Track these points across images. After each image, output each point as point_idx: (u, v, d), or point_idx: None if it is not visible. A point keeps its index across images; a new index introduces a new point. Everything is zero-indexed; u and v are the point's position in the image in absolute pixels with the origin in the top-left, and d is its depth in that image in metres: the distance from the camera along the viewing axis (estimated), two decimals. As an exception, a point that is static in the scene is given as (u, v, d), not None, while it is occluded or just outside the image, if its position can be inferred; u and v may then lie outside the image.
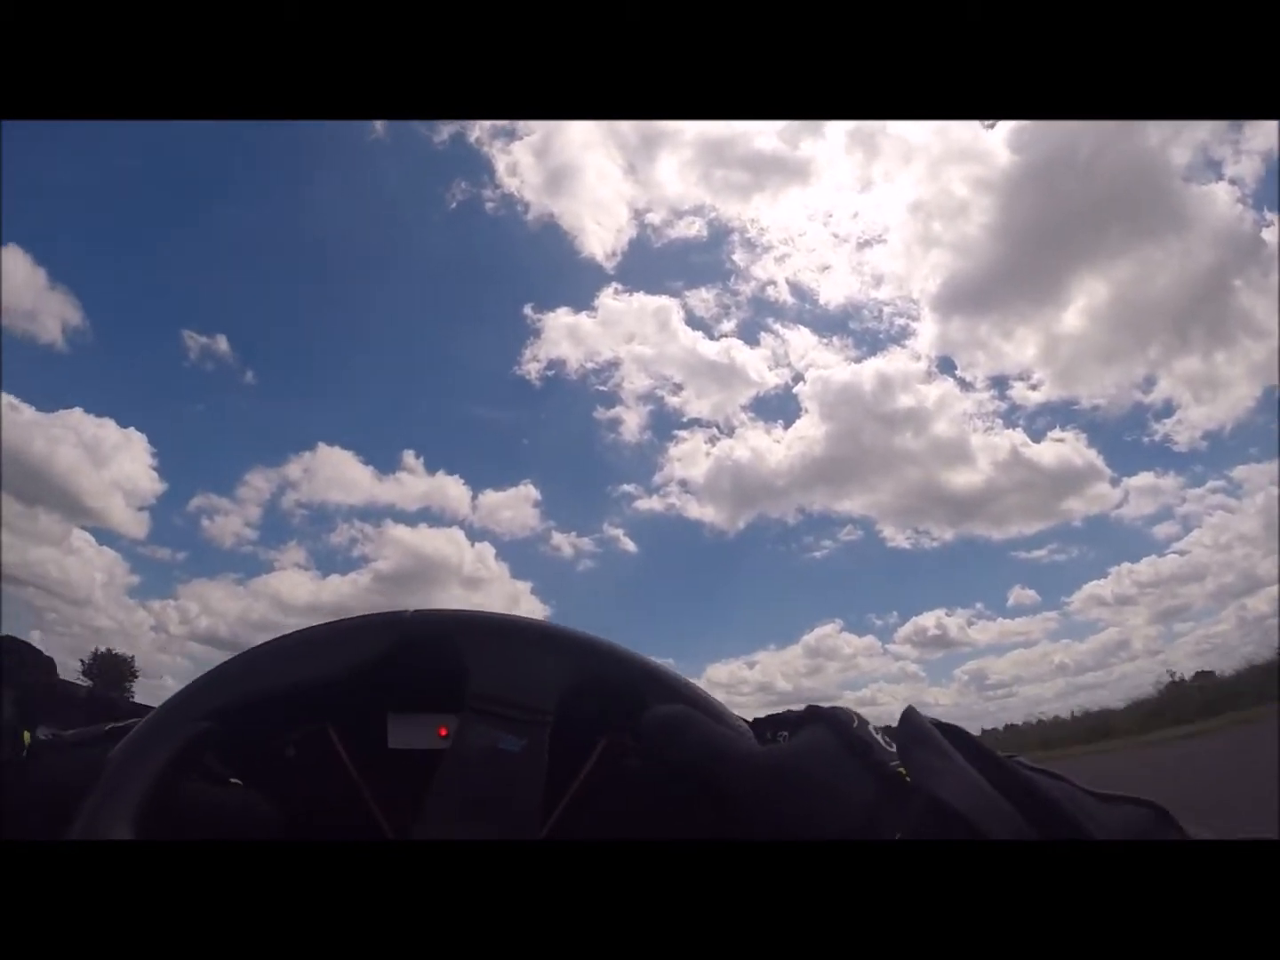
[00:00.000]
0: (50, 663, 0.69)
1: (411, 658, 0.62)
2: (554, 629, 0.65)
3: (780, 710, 0.65)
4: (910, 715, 0.54)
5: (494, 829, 0.54)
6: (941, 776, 0.48)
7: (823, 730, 0.55)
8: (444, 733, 0.64)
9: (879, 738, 0.54)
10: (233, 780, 0.68)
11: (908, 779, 0.50)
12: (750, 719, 0.66)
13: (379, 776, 0.65)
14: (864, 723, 0.55)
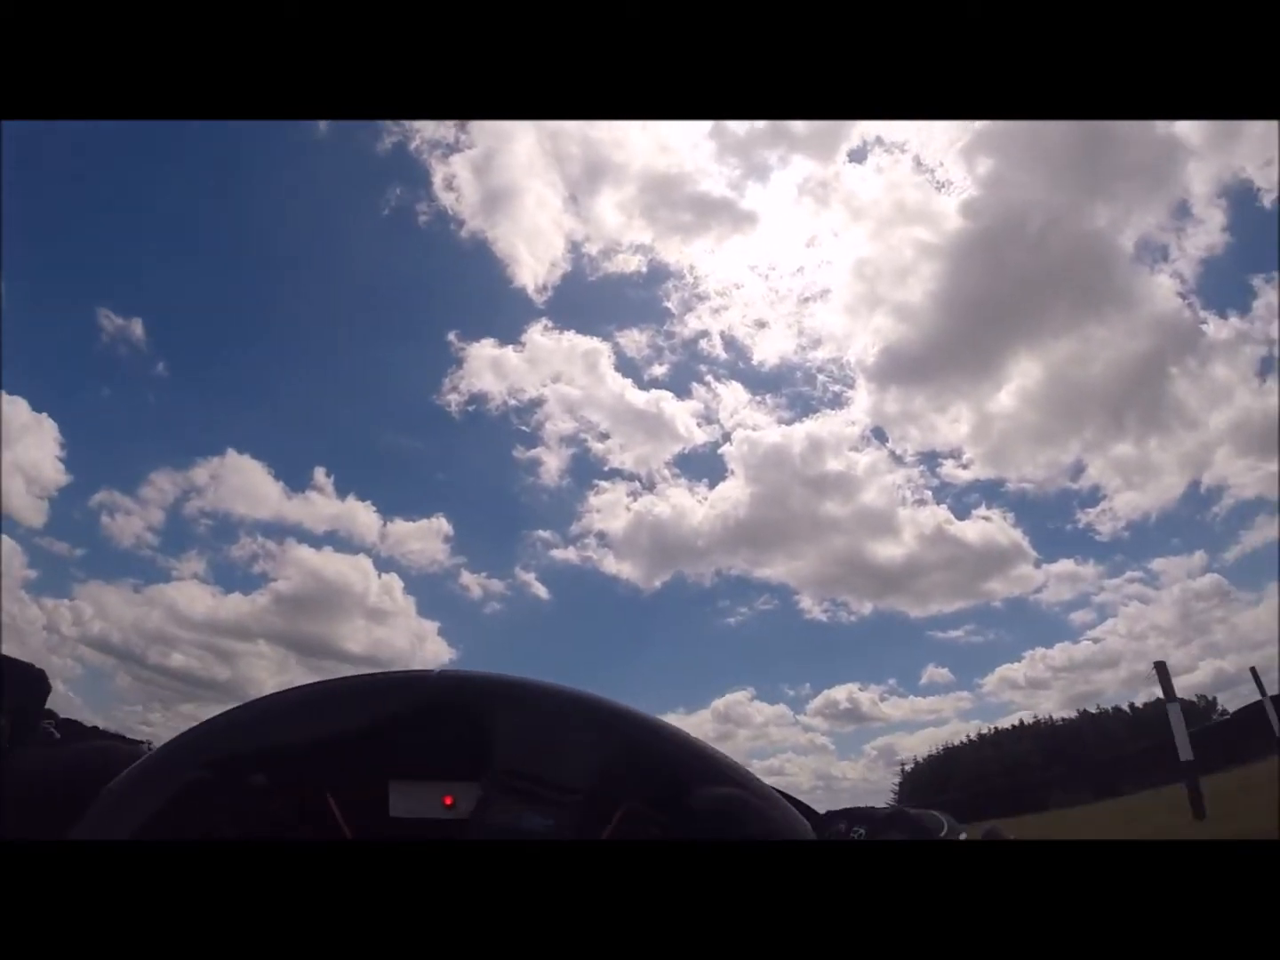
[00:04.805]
0: (41, 680, 0.67)
1: (431, 720, 0.58)
2: (592, 700, 0.61)
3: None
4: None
5: None
6: None
7: (900, 838, 0.52)
8: (449, 801, 0.59)
9: None
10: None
11: None
12: (825, 811, 0.63)
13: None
14: (954, 832, 0.52)
